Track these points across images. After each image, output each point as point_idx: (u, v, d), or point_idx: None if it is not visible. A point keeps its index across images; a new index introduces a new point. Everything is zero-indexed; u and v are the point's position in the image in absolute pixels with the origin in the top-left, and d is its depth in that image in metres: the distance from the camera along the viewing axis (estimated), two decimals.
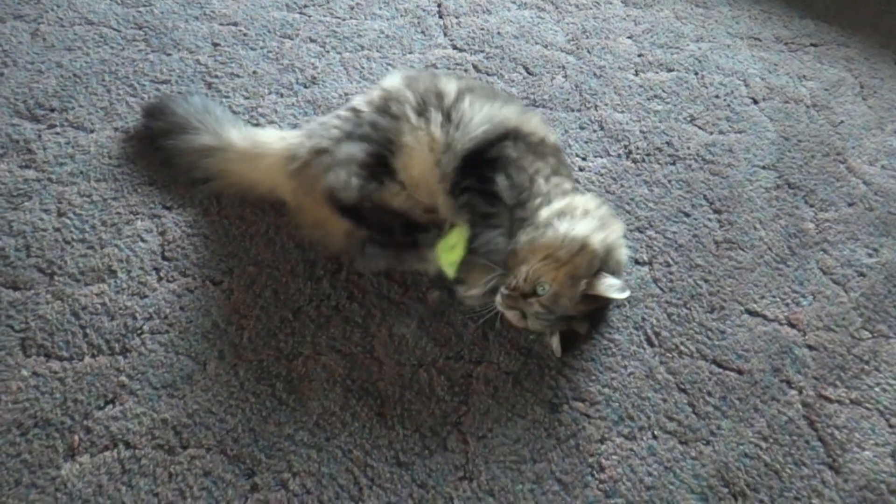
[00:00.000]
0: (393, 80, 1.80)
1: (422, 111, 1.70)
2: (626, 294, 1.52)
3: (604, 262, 1.54)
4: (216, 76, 2.14)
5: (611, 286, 1.50)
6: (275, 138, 1.81)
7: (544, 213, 1.60)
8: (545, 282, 1.50)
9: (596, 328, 1.70)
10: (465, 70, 2.31)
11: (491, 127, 1.68)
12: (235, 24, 2.32)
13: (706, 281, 1.85)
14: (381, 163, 1.65)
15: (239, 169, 1.79)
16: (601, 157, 2.11)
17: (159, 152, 1.85)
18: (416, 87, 1.75)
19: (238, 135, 1.81)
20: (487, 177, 1.62)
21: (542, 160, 1.69)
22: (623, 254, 1.63)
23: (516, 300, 1.52)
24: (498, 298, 1.54)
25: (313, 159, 1.69)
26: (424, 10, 2.50)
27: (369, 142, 1.66)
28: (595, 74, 2.37)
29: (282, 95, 2.13)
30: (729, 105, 2.34)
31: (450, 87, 1.77)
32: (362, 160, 1.64)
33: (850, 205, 2.10)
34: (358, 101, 1.79)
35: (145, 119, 1.92)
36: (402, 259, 1.70)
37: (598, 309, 1.62)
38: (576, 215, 1.60)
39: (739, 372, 1.70)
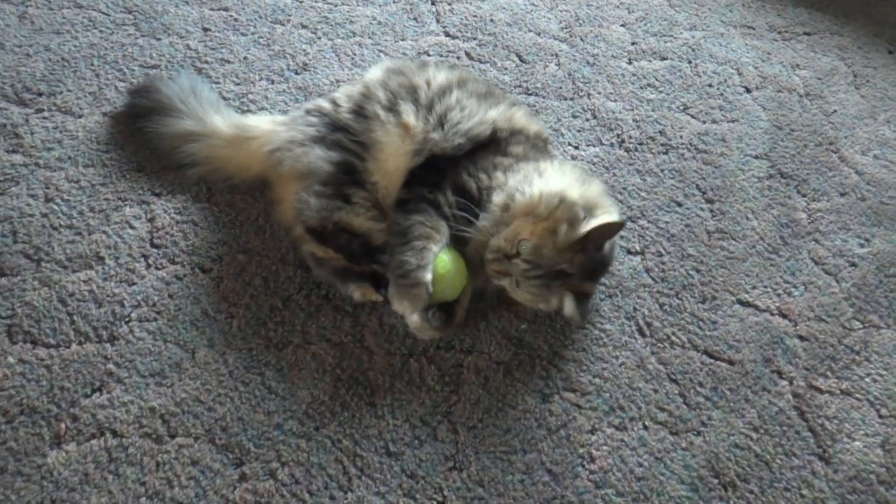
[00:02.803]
0: (374, 74, 1.80)
1: (391, 107, 1.69)
2: (619, 217, 1.56)
3: (588, 213, 1.54)
4: (206, 61, 2.12)
5: (598, 219, 1.52)
6: (264, 121, 1.80)
7: (497, 196, 1.60)
8: (524, 238, 1.51)
9: (598, 281, 1.70)
10: (458, 58, 2.30)
11: (466, 142, 1.67)
12: (226, 9, 2.29)
13: (698, 271, 1.85)
14: (348, 173, 1.64)
15: (227, 154, 1.78)
16: (594, 146, 2.10)
17: (140, 133, 1.83)
18: (391, 84, 1.74)
19: (222, 121, 1.79)
20: (436, 183, 1.62)
21: (503, 154, 1.68)
22: (610, 209, 1.61)
23: (501, 262, 1.53)
24: (487, 268, 1.55)
25: (283, 146, 1.69)
26: None
27: (340, 149, 1.65)
28: (588, 62, 2.36)
29: (273, 82, 2.11)
30: (722, 94, 2.34)
31: (436, 78, 1.76)
32: (327, 175, 1.63)
33: (842, 195, 2.10)
34: (340, 93, 1.78)
35: (130, 97, 1.91)
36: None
37: (595, 262, 1.59)
38: (536, 176, 1.61)
39: (730, 362, 1.69)
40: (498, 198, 1.60)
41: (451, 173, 1.64)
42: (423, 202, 1.59)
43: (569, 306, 1.58)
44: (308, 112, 1.75)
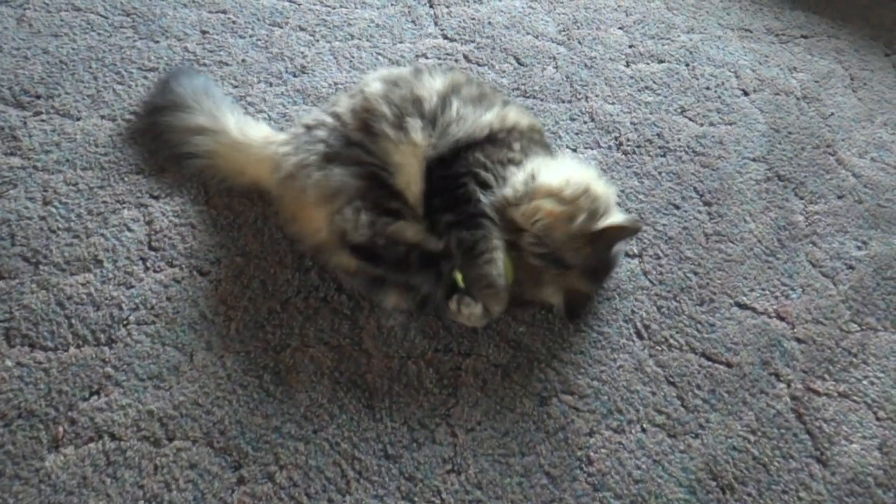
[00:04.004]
0: (374, 87, 1.75)
1: (399, 124, 1.67)
2: (630, 220, 1.58)
3: (606, 208, 1.58)
4: (204, 64, 2.12)
5: (617, 217, 1.56)
6: (262, 139, 1.78)
7: (520, 174, 1.62)
8: (541, 217, 1.54)
9: (599, 283, 1.71)
10: (456, 60, 2.30)
11: (460, 139, 1.67)
12: (224, 12, 2.30)
13: (696, 273, 1.85)
14: (380, 185, 1.63)
15: (227, 154, 1.78)
16: (592, 149, 2.10)
17: (151, 127, 1.86)
18: (393, 97, 1.71)
19: (234, 121, 1.80)
20: (469, 196, 1.62)
21: (510, 150, 1.68)
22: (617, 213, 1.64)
23: (511, 233, 1.57)
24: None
25: (299, 172, 1.65)
26: (415, 0, 2.49)
27: (359, 164, 1.64)
28: (586, 65, 2.36)
29: (271, 84, 2.11)
30: (720, 97, 2.34)
31: (434, 86, 1.74)
32: (357, 189, 1.61)
33: (839, 197, 2.11)
34: (342, 107, 1.74)
35: (148, 95, 1.94)
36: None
37: (598, 262, 1.62)
38: (565, 164, 1.67)
39: (728, 365, 1.69)
40: (520, 175, 1.62)
41: (468, 177, 1.63)
42: (476, 217, 1.59)
43: (556, 300, 1.64)
44: (309, 128, 1.72)
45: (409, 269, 1.60)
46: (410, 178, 1.66)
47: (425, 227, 1.63)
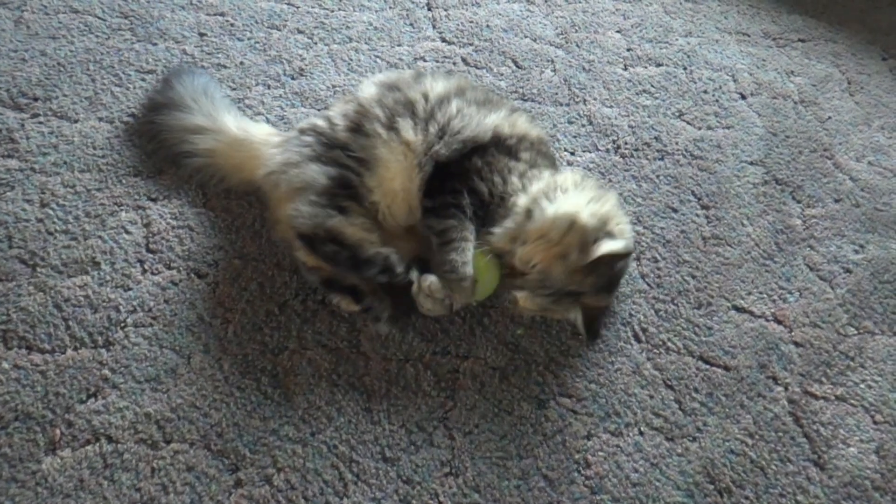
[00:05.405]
0: (367, 91, 1.77)
1: (391, 125, 1.68)
2: (624, 245, 1.53)
3: (601, 232, 1.55)
4: (203, 66, 2.12)
5: (608, 245, 1.51)
6: (261, 137, 1.80)
7: (521, 200, 1.61)
8: (536, 262, 1.54)
9: (614, 293, 1.69)
10: (454, 63, 2.30)
11: (463, 146, 1.67)
12: (222, 15, 2.30)
13: (693, 277, 1.85)
14: (345, 187, 1.63)
15: (227, 151, 1.78)
16: (589, 152, 2.10)
17: (151, 126, 1.86)
18: (387, 101, 1.72)
19: (232, 120, 1.82)
20: (455, 189, 1.63)
21: (516, 159, 1.69)
22: (623, 221, 1.63)
23: (516, 276, 1.58)
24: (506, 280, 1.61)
25: (279, 168, 1.67)
26: (413, 3, 2.48)
27: (337, 165, 1.64)
28: (584, 68, 2.36)
29: (269, 87, 2.11)
30: (717, 100, 2.34)
31: (435, 88, 1.76)
32: (322, 187, 1.62)
33: (836, 201, 2.11)
34: (334, 112, 1.76)
35: (150, 92, 1.95)
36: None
37: (608, 281, 1.61)
38: (559, 193, 1.62)
39: (726, 368, 1.70)
40: (521, 201, 1.61)
41: (464, 178, 1.64)
42: (451, 207, 1.60)
43: (578, 322, 1.63)
44: (302, 132, 1.74)
45: (338, 267, 1.60)
46: (392, 171, 1.66)
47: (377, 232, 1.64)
